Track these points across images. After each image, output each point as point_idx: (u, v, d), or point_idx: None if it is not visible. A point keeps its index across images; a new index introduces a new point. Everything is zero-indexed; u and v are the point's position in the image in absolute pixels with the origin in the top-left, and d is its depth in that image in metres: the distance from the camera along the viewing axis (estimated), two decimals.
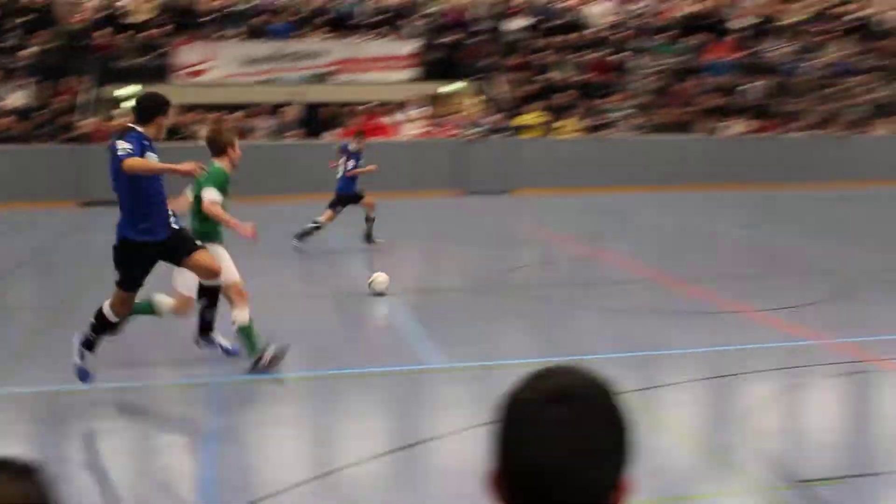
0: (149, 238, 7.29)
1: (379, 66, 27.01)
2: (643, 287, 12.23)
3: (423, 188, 23.94)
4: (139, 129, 7.20)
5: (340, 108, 25.92)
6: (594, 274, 13.59)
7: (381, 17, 27.90)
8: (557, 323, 10.24)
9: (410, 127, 25.66)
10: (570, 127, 25.92)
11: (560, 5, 29.71)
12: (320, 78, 26.58)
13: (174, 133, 20.91)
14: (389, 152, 24.35)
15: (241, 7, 27.24)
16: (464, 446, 6.31)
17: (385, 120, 25.23)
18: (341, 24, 27.36)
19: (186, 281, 7.86)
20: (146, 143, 7.13)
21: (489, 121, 25.70)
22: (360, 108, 25.61)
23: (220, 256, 7.99)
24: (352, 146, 15.52)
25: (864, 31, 32.00)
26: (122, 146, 6.95)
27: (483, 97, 27.29)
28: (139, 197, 7.19)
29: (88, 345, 7.55)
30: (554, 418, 1.55)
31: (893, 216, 20.44)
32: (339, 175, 15.35)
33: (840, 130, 27.43)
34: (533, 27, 28.96)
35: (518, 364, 7.82)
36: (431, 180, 24.23)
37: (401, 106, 26.32)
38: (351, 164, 15.29)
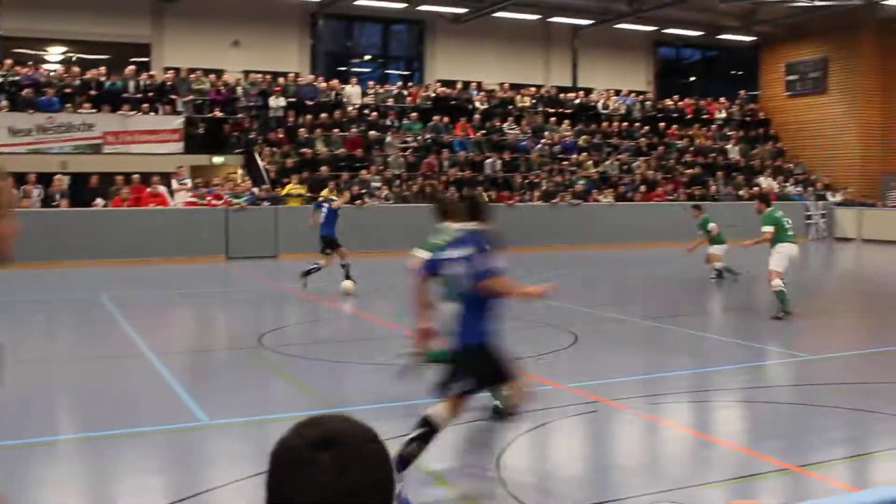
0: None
1: (147, 139, 26.27)
2: (402, 342, 12.33)
3: (193, 254, 23.35)
4: None
5: (109, 177, 24.95)
6: (357, 331, 13.59)
7: (150, 93, 27.19)
8: (323, 377, 10.16)
9: (180, 196, 25.00)
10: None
11: (320, 85, 29.93)
12: (89, 149, 25.54)
13: None
14: (160, 220, 23.70)
15: (11, 78, 25.84)
16: (236, 497, 6.13)
17: (154, 190, 24.45)
18: (110, 99, 26.44)
19: None
20: None
21: (254, 190, 25.42)
22: (130, 177, 24.73)
23: None
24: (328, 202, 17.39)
25: (585, 114, 33.98)
26: None
27: (248, 169, 27.03)
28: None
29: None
30: (318, 463, 1.54)
31: (614, 274, 21.61)
32: (322, 223, 16.98)
33: (569, 199, 28.84)
34: (295, 105, 29.02)
35: (286, 417, 7.68)
36: (201, 246, 23.66)
37: (169, 176, 25.63)
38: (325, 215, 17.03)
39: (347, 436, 1.58)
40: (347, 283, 16.48)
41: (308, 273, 16.90)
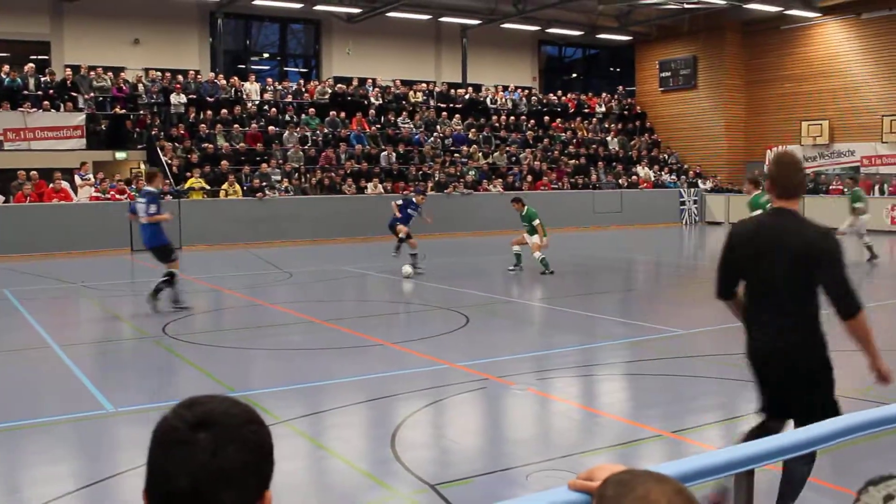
0: None
1: (49, 136, 25.40)
2: (303, 328, 12.23)
3: (98, 248, 22.71)
4: None
5: (11, 174, 24.04)
6: (259, 318, 13.41)
7: (51, 90, 26.29)
8: (226, 363, 9.99)
9: (84, 192, 24.25)
10: (231, 190, 25.55)
11: (220, 83, 29.38)
12: None
13: None
14: (64, 215, 23.00)
15: None
16: (141, 481, 5.97)
17: (58, 185, 23.66)
18: (10, 96, 25.47)
19: None
20: None
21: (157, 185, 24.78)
22: (31, 173, 23.88)
23: None
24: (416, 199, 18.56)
25: (475, 108, 34.16)
26: None
27: (150, 165, 26.39)
28: None
29: None
30: (195, 443, 1.51)
31: (504, 260, 21.78)
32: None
33: (461, 189, 28.97)
34: (196, 102, 28.44)
35: None
36: (105, 240, 23.00)
37: (72, 172, 24.84)
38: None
39: (227, 417, 1.55)
40: (408, 268, 17.35)
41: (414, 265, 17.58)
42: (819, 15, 32.40)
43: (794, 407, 4.74)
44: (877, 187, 30.39)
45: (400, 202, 18.60)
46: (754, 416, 7.74)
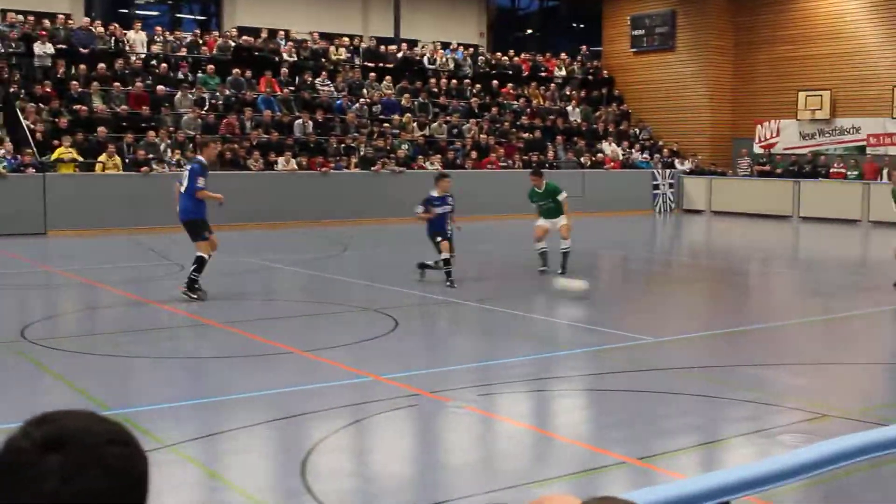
0: None
1: None
2: (195, 332, 12.14)
3: None
4: None
5: None
6: (142, 320, 13.26)
7: None
8: (98, 374, 9.87)
9: None
10: (109, 163, 25.20)
11: (97, 30, 28.95)
12: None
13: None
14: None
15: None
16: None
17: None
18: None
19: None
20: None
21: (15, 155, 24.38)
22: None
23: None
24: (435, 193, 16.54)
25: (409, 69, 34.14)
26: None
27: (8, 130, 25.90)
28: None
29: None
30: (43, 467, 1.49)
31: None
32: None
33: (391, 166, 28.94)
34: (66, 54, 27.98)
35: None
36: None
37: None
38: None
39: (85, 436, 1.53)
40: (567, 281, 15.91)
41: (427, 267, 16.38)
42: None
43: None
44: (885, 171, 31.08)
45: (420, 208, 16.47)
46: (738, 438, 7.91)
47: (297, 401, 8.59)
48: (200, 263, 14.09)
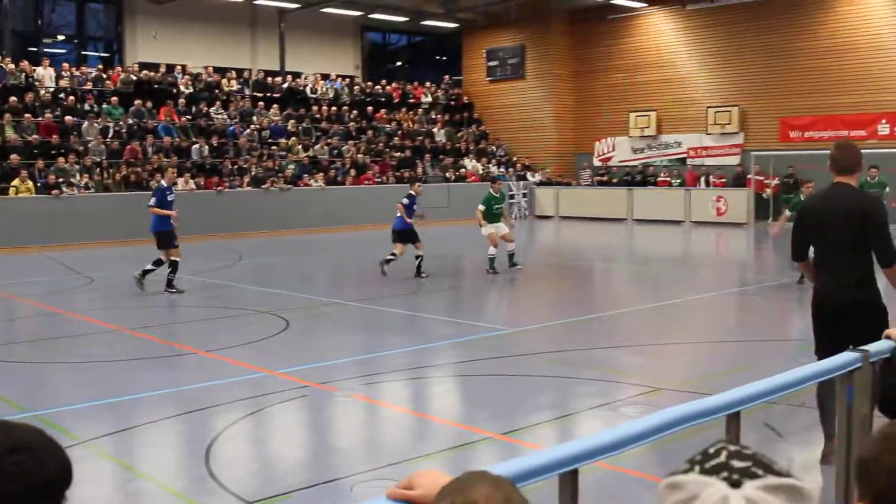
0: None
1: None
2: (107, 338, 11.80)
3: None
4: None
5: None
6: (57, 329, 12.83)
7: None
8: (19, 379, 9.52)
9: None
10: (23, 187, 24.31)
11: (8, 67, 27.91)
12: None
13: None
14: None
15: None
16: None
17: None
18: None
19: None
20: None
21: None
22: None
23: None
24: (410, 192, 17.67)
25: (294, 98, 33.85)
26: None
27: None
28: None
29: None
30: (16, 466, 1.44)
31: (326, 258, 21.73)
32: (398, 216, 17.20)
33: (279, 185, 28.63)
34: None
35: None
36: None
37: None
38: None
39: (39, 440, 1.47)
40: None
41: (387, 262, 16.98)
42: (645, 5, 33.82)
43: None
44: (702, 179, 32.02)
45: (405, 200, 17.24)
46: (587, 411, 8.04)
47: (200, 396, 8.43)
48: (174, 267, 15.37)
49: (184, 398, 8.38)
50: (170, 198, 15.68)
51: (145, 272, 15.48)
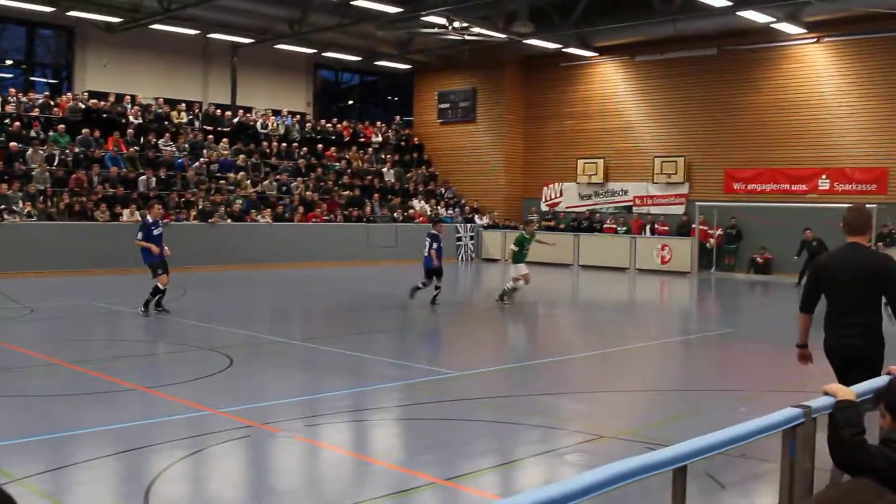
0: None
1: None
2: (44, 371, 11.59)
3: None
4: None
5: None
6: None
7: None
8: None
9: None
10: None
11: None
12: None
13: None
14: None
15: None
16: None
17: None
18: None
19: None
20: None
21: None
22: None
23: None
24: (433, 231, 19.37)
25: (244, 133, 33.78)
26: None
27: None
28: None
29: None
30: None
31: (271, 295, 21.57)
32: (425, 254, 19.02)
33: (226, 219, 28.45)
34: None
35: None
36: None
37: None
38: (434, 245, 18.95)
39: None
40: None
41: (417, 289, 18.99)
42: (596, 55, 34.34)
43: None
44: (647, 227, 32.43)
45: (436, 245, 19.10)
46: (530, 458, 8.06)
47: (140, 434, 8.30)
48: (155, 291, 16.66)
49: (123, 436, 8.25)
50: (155, 232, 16.88)
51: (149, 302, 16.68)
